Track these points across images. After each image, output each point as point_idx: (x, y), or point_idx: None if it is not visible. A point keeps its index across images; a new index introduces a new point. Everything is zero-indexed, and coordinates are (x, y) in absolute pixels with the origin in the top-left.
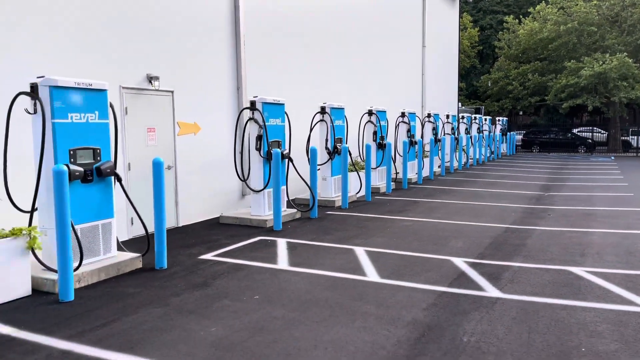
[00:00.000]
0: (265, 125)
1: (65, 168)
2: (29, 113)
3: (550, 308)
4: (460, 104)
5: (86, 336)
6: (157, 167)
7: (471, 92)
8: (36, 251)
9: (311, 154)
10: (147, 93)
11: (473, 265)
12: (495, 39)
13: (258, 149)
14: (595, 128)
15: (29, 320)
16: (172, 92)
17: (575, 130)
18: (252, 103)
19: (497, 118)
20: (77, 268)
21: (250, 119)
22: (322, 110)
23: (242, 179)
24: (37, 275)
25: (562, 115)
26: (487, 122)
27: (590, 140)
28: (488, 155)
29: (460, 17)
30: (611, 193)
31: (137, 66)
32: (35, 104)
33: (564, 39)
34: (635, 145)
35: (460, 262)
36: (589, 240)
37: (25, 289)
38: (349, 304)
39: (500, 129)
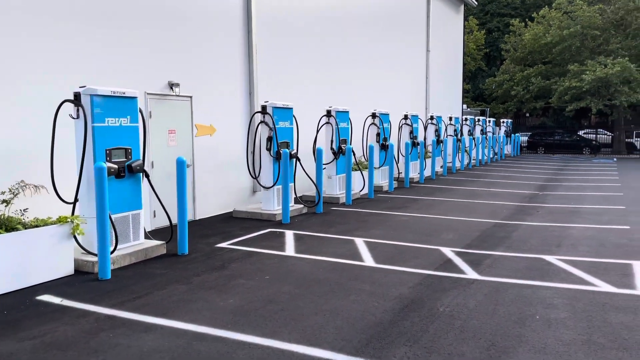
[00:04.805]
0: (275, 127)
1: (105, 165)
2: (73, 118)
3: (518, 287)
4: (465, 105)
5: (126, 305)
6: (181, 165)
7: (477, 94)
8: (78, 237)
9: (317, 154)
10: (169, 98)
11: (459, 253)
12: (502, 42)
13: (268, 149)
14: (600, 130)
15: (75, 293)
16: (190, 97)
17: (580, 132)
18: (264, 107)
19: (501, 120)
20: (113, 251)
21: (261, 121)
22: (328, 114)
23: (254, 176)
24: (78, 257)
25: (570, 117)
26: (491, 124)
27: (595, 142)
28: (491, 156)
29: (467, 20)
30: (602, 193)
31: (160, 74)
32: (78, 110)
33: (568, 42)
34: (639, 147)
35: (447, 251)
36: (567, 234)
37: (69, 269)
38: (346, 282)
39: (505, 131)
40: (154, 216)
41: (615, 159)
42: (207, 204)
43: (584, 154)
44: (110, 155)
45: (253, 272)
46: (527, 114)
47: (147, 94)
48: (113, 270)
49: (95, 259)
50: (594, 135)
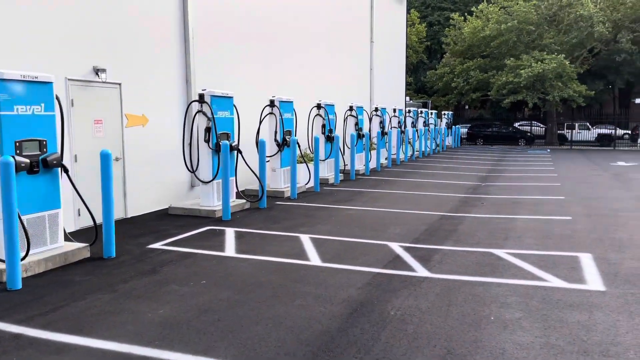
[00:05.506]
0: (213, 117)
1: (12, 159)
2: None
3: (470, 285)
4: (408, 98)
5: (35, 320)
6: (105, 158)
7: (419, 86)
8: None
9: (260, 146)
10: (94, 85)
11: (407, 249)
12: (443, 35)
13: (207, 141)
14: (534, 122)
15: None
16: (119, 84)
17: (516, 124)
18: (201, 96)
19: (443, 112)
20: (24, 257)
21: (198, 111)
22: (272, 104)
23: (191, 170)
24: None
25: (506, 109)
26: (433, 116)
27: (529, 134)
28: (434, 148)
29: (408, 13)
30: (541, 183)
31: (83, 58)
32: None
33: (505, 37)
34: (569, 138)
35: (396, 247)
36: (513, 226)
37: None
38: (291, 285)
39: (446, 123)
40: (79, 215)
41: (548, 150)
42: (140, 200)
43: (520, 145)
44: (20, 147)
45: (188, 276)
46: (467, 107)
47: (68, 79)
48: (25, 279)
49: (2, 266)
50: (529, 127)
